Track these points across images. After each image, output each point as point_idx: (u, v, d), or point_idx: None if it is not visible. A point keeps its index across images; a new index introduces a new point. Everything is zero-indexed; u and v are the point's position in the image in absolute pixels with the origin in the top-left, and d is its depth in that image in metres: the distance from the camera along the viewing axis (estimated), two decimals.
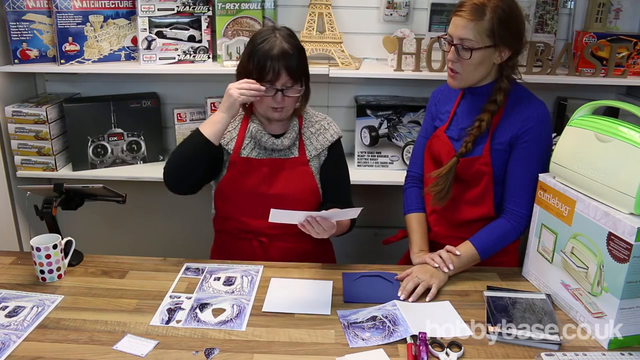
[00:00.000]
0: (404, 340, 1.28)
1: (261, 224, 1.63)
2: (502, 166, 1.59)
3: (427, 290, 1.48)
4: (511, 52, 1.55)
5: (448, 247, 1.58)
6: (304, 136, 1.71)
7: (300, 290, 1.51)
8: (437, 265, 1.53)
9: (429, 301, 1.45)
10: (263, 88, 1.53)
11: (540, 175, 1.51)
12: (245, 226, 1.69)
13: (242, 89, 1.52)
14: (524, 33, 1.57)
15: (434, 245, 1.70)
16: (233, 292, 1.49)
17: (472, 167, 1.60)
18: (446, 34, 1.57)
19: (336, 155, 1.75)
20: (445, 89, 1.75)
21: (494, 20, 1.48)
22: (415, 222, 1.75)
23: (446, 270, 1.53)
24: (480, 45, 1.50)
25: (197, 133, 1.58)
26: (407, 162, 2.19)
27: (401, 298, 1.45)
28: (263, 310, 1.40)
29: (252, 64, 1.54)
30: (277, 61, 1.52)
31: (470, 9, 1.49)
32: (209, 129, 1.57)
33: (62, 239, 1.56)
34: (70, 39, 2.18)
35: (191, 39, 2.27)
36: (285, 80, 1.54)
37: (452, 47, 1.53)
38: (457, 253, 1.55)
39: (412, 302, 1.45)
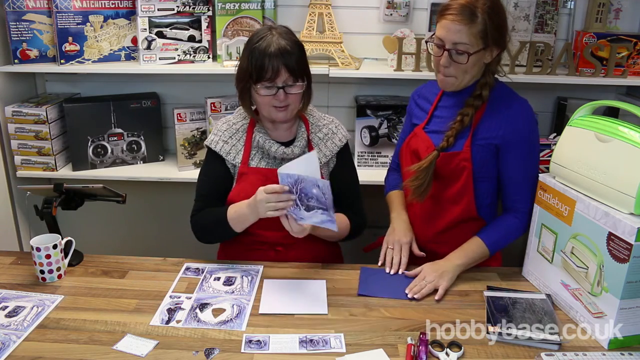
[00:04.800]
0: (404, 341, 1.28)
1: (277, 235, 1.61)
2: (482, 162, 1.57)
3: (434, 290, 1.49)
4: (499, 50, 1.54)
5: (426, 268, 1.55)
6: (312, 142, 1.67)
7: (294, 291, 1.51)
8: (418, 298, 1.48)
9: (437, 300, 1.46)
10: (285, 188, 1.43)
11: (540, 175, 1.51)
12: (259, 237, 1.65)
13: (269, 202, 1.44)
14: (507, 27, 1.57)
15: (420, 250, 1.65)
16: (233, 292, 1.49)
17: (452, 162, 1.58)
18: (433, 36, 1.54)
19: (345, 161, 1.72)
20: (424, 88, 1.74)
21: (487, 22, 1.46)
22: (395, 195, 1.78)
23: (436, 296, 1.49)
24: (475, 49, 1.48)
25: (228, 224, 1.58)
26: None
27: (409, 295, 1.47)
28: (259, 312, 1.40)
29: (251, 65, 1.52)
30: (275, 58, 1.49)
31: (461, 11, 1.45)
32: (240, 225, 1.58)
33: (62, 239, 1.56)
34: (70, 39, 2.18)
35: (191, 39, 2.27)
36: (286, 77, 1.52)
37: (445, 51, 1.49)
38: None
39: (420, 299, 1.46)
